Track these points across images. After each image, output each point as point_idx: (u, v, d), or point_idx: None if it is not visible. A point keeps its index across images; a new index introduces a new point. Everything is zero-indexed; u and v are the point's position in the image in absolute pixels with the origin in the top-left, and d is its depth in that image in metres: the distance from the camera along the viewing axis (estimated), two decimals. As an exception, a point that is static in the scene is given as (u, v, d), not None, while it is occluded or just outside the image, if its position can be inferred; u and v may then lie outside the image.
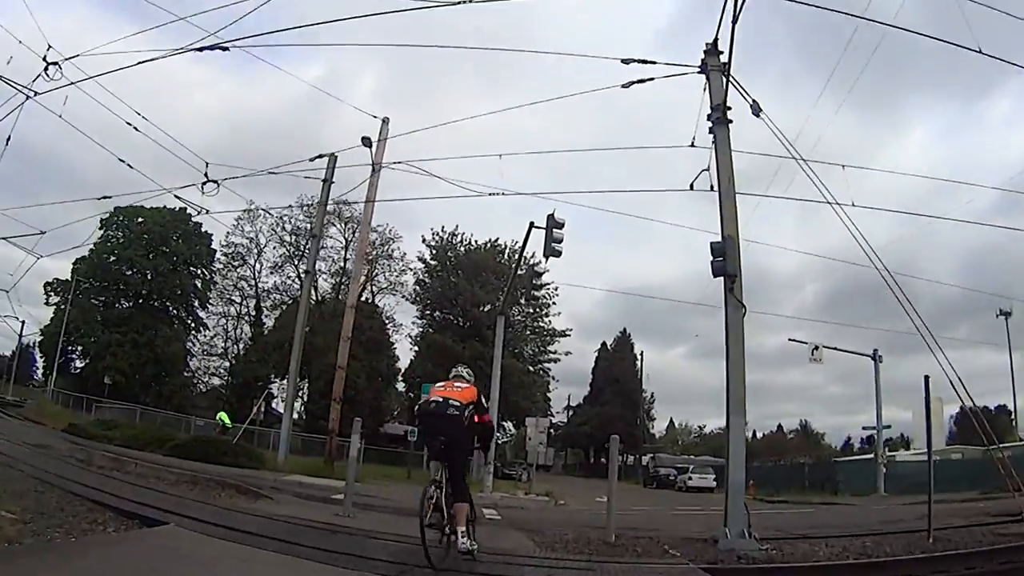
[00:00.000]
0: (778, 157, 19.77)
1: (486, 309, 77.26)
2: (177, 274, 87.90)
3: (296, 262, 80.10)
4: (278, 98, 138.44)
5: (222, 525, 11.89)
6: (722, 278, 17.05)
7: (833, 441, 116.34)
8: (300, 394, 76.36)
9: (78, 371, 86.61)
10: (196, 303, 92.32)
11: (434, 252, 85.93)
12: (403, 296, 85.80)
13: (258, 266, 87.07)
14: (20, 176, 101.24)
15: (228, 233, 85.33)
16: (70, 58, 23.73)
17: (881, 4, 20.24)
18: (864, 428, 63.25)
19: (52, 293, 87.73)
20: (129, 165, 29.72)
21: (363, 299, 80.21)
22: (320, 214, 39.38)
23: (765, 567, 13.15)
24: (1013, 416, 63.90)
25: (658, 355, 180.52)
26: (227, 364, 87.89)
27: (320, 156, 29.64)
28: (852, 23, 19.16)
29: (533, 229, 33.34)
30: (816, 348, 51.70)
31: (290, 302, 79.54)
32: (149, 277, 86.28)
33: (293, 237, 79.96)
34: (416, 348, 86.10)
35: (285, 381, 77.45)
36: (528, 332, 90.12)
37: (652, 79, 19.77)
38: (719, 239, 17.28)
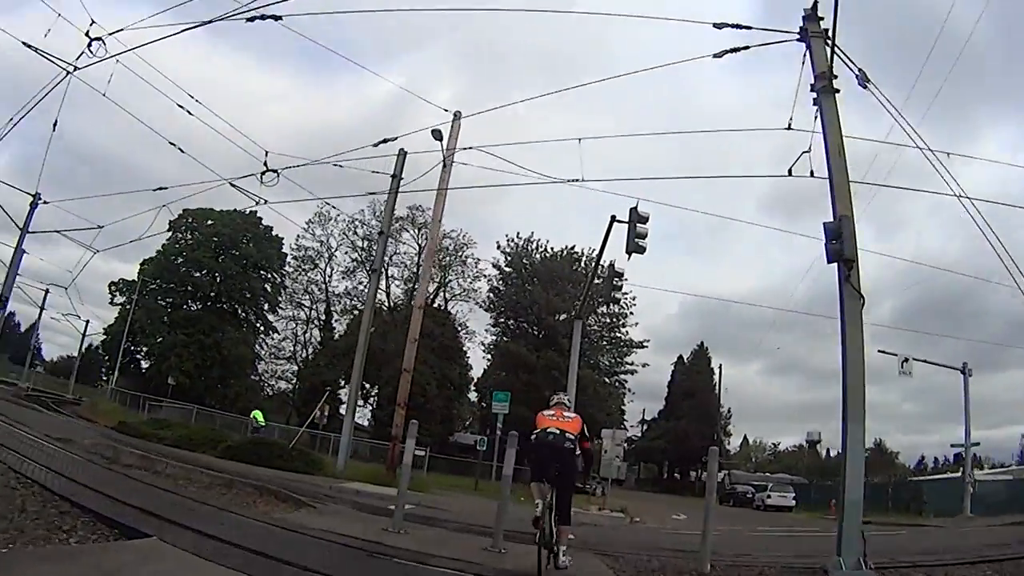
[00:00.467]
0: (871, 141, 17.56)
1: (561, 318, 74.42)
2: (246, 277, 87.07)
3: (368, 267, 77.91)
4: (350, 104, 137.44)
5: (227, 541, 9.80)
6: (837, 265, 14.73)
7: (907, 460, 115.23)
8: (369, 400, 75.01)
9: (143, 371, 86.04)
10: (265, 306, 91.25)
11: (509, 258, 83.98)
12: (476, 303, 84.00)
13: (329, 270, 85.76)
14: (73, 172, 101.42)
15: (299, 236, 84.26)
16: (113, 33, 21.99)
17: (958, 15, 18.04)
18: (953, 446, 59.90)
19: (117, 293, 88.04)
20: (180, 149, 28.10)
21: (436, 305, 78.85)
22: (388, 210, 37.15)
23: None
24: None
25: (733, 370, 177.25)
26: (295, 368, 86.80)
27: (385, 141, 27.44)
28: (926, 31, 16.87)
29: (615, 223, 31.04)
30: (906, 360, 48.74)
31: (361, 308, 77.88)
32: (218, 279, 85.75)
33: (365, 242, 78.37)
34: (489, 356, 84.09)
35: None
36: (604, 343, 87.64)
37: (747, 47, 17.49)
38: (831, 220, 14.95)
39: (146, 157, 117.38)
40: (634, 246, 28.11)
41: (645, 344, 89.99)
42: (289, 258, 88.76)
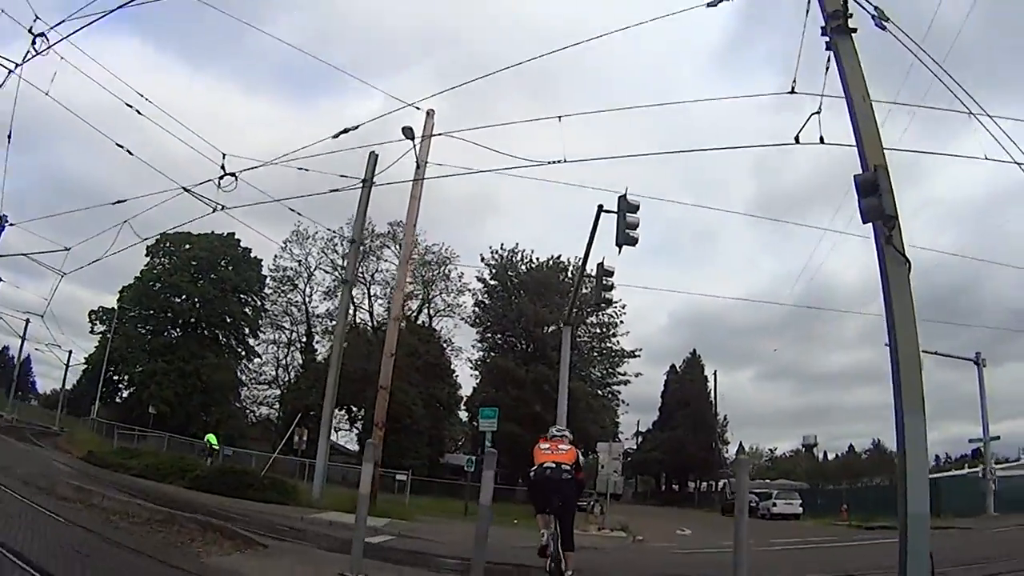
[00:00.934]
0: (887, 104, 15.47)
1: (550, 330, 72.61)
2: (226, 301, 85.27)
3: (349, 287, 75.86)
4: (331, 126, 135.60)
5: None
6: (873, 226, 12.44)
7: None
8: (356, 422, 73.05)
9: (124, 401, 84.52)
10: (246, 331, 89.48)
11: (494, 271, 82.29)
12: (462, 318, 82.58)
13: (308, 290, 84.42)
14: (34, 191, 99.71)
15: (276, 256, 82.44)
16: (56, 26, 19.92)
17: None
18: (971, 441, 57.93)
19: (97, 322, 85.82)
20: (128, 151, 26.08)
21: (420, 322, 77.82)
22: (359, 216, 34.68)
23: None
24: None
25: (725, 378, 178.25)
26: (278, 393, 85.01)
27: (346, 131, 24.99)
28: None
29: (603, 215, 28.71)
30: None
31: (348, 328, 75.92)
32: (197, 304, 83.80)
33: (345, 260, 75.62)
34: (477, 373, 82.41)
35: (339, 410, 74.34)
36: (595, 354, 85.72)
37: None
38: (862, 172, 12.67)
39: (105, 172, 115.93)
40: (625, 238, 25.71)
41: (637, 353, 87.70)
42: (268, 279, 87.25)
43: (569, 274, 77.86)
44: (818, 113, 15.17)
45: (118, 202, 27.69)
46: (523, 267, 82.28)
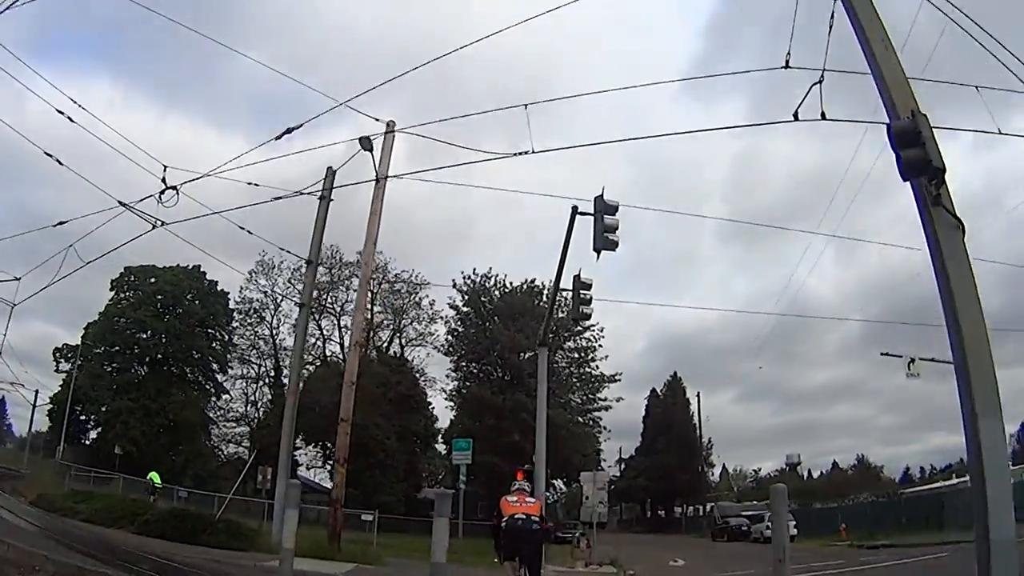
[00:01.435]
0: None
1: (526, 356, 70.41)
2: (192, 336, 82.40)
3: (318, 317, 74.14)
4: (303, 158, 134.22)
5: None
6: (913, 187, 10.24)
7: (891, 473, 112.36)
8: (328, 460, 70.98)
9: (92, 441, 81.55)
10: (215, 366, 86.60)
11: (466, 297, 79.93)
12: (434, 347, 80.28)
13: (276, 322, 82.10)
14: None
15: (241, 288, 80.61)
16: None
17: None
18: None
19: (62, 360, 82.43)
20: (58, 160, 24.01)
21: (390, 352, 76.34)
22: (316, 234, 32.27)
23: None
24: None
25: (705, 401, 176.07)
26: (247, 430, 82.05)
27: (289, 131, 22.76)
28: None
29: (577, 216, 26.35)
30: (912, 361, 45.82)
31: (317, 363, 73.94)
32: (163, 339, 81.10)
33: (314, 291, 73.36)
34: (451, 404, 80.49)
35: (312, 447, 72.13)
36: (574, 379, 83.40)
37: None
38: (897, 120, 10.53)
39: (52, 195, 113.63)
40: (603, 242, 23.34)
41: (617, 377, 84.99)
42: (235, 312, 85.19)
43: (544, 298, 75.63)
44: (820, 83, 13.60)
45: (60, 223, 25.73)
46: (496, 292, 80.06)
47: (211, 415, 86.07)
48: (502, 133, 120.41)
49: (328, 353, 76.29)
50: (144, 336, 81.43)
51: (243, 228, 30.36)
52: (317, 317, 74.43)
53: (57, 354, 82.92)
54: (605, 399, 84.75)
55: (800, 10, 13.87)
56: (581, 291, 28.17)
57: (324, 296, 73.01)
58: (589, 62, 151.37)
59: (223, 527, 26.91)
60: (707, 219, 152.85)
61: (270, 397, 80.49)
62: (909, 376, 46.39)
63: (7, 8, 18.12)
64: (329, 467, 69.49)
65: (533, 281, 79.40)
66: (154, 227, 25.14)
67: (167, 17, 20.39)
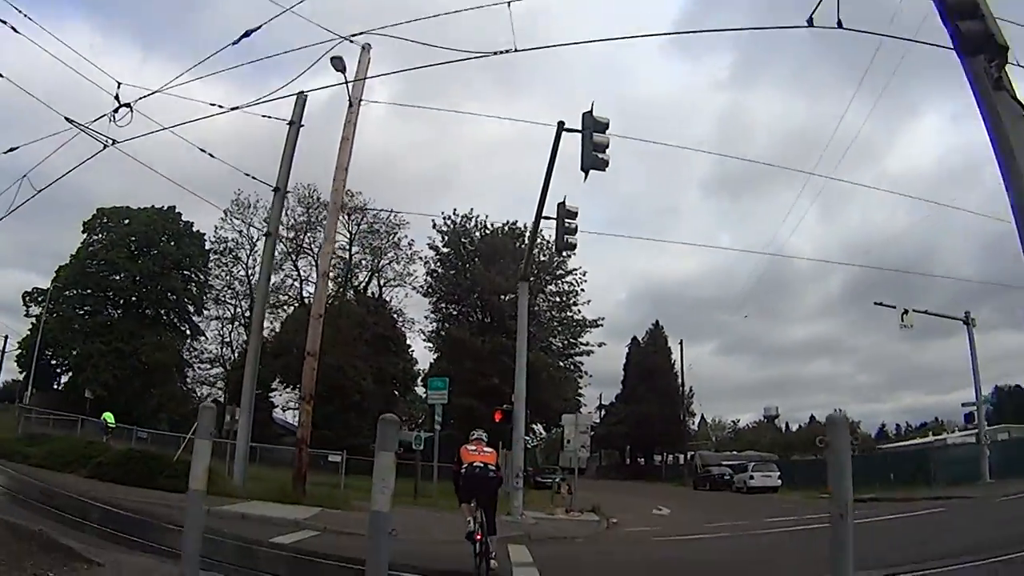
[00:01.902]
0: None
1: (507, 298, 68.69)
2: (167, 278, 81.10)
3: (295, 257, 73.41)
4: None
5: None
6: (967, 69, 8.62)
7: (867, 429, 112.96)
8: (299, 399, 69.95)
9: (63, 386, 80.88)
10: (191, 308, 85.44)
11: (446, 238, 78.11)
12: (413, 288, 78.36)
13: (251, 262, 78.86)
14: None
15: (216, 227, 78.02)
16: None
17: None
18: (964, 404, 55.35)
19: (32, 304, 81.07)
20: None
21: (369, 293, 75.53)
22: (285, 163, 30.41)
23: None
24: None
25: (686, 352, 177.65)
26: (222, 371, 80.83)
27: (247, 35, 20.84)
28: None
29: (564, 133, 24.43)
30: (906, 312, 45.52)
31: (296, 304, 72.62)
32: (137, 281, 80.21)
33: (292, 232, 71.77)
34: (431, 345, 78.92)
35: (289, 389, 70.68)
36: (555, 323, 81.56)
37: None
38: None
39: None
40: (592, 160, 21.63)
41: (600, 322, 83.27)
42: (211, 254, 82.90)
43: (526, 240, 73.80)
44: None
45: (10, 150, 24.05)
46: (477, 233, 78.41)
47: (187, 357, 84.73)
48: (487, 71, 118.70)
49: (306, 295, 74.41)
50: (117, 278, 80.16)
51: (204, 151, 28.50)
52: (294, 257, 73.88)
53: (27, 297, 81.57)
54: (587, 344, 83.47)
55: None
56: (566, 219, 26.12)
57: (301, 236, 71.46)
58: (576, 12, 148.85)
59: (181, 469, 25.37)
60: (693, 171, 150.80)
61: (245, 338, 78.57)
62: (903, 327, 46.07)
63: None
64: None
65: (515, 223, 77.27)
66: (105, 146, 23.62)
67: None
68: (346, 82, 26.58)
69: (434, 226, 76.81)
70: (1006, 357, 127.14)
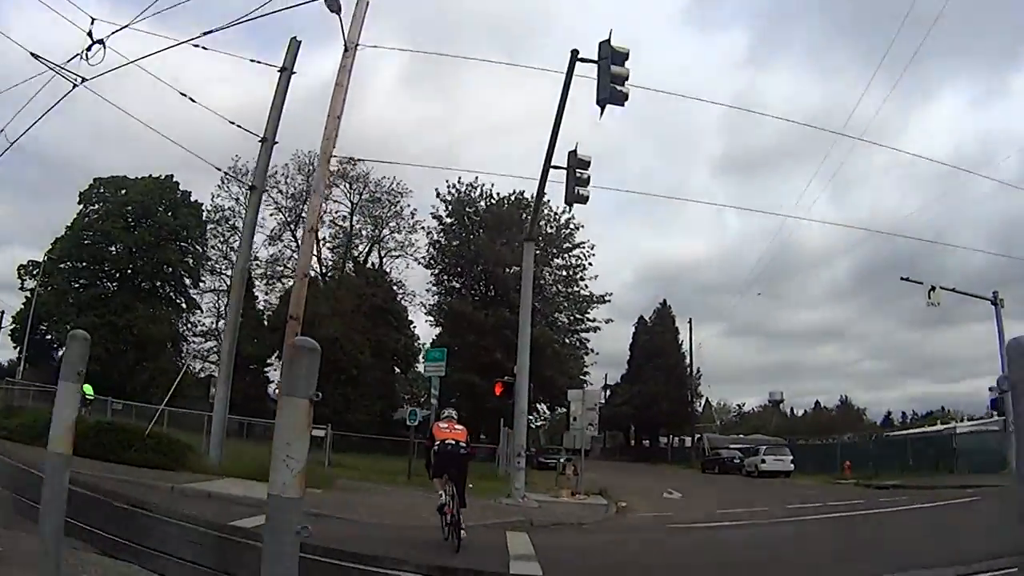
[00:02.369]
0: None
1: (512, 271, 66.68)
2: (164, 249, 79.04)
3: (294, 228, 71.76)
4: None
5: None
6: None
7: (872, 417, 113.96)
8: None
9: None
10: (187, 281, 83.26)
11: (450, 208, 75.98)
12: (415, 260, 76.55)
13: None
14: None
15: (213, 196, 75.76)
16: None
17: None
18: (991, 389, 53.63)
19: (28, 277, 79.60)
20: None
21: (369, 264, 74.15)
22: (274, 112, 28.18)
23: None
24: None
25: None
26: (215, 345, 77.61)
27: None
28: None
29: (578, 64, 22.02)
30: (933, 289, 43.72)
31: (289, 275, 70.21)
32: (133, 253, 78.09)
33: (291, 201, 70.33)
34: (431, 319, 77.69)
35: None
36: (561, 298, 79.60)
37: None
38: None
39: None
40: (609, 93, 19.53)
41: (607, 298, 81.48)
42: (207, 225, 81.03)
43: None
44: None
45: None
46: (483, 203, 76.14)
47: (182, 331, 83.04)
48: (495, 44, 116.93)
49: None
50: (113, 250, 78.42)
51: (184, 95, 26.26)
52: (293, 227, 71.98)
53: (22, 271, 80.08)
54: (594, 320, 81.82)
55: None
56: (577, 169, 23.73)
57: (300, 205, 69.00)
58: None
59: (153, 443, 23.77)
60: (704, 152, 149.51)
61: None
62: (929, 304, 44.35)
63: None
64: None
65: (522, 193, 73.55)
66: (75, 86, 21.71)
67: None
68: (341, 25, 24.87)
69: (438, 195, 75.38)
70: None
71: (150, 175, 78.03)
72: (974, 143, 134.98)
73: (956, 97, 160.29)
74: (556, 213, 71.62)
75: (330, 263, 74.57)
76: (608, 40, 19.74)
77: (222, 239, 78.09)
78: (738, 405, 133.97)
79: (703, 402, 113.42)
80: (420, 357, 73.83)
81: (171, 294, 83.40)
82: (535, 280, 35.69)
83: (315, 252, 71.50)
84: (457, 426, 15.46)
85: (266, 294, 75.73)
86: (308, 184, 68.27)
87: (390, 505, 19.47)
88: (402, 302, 75.06)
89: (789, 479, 51.23)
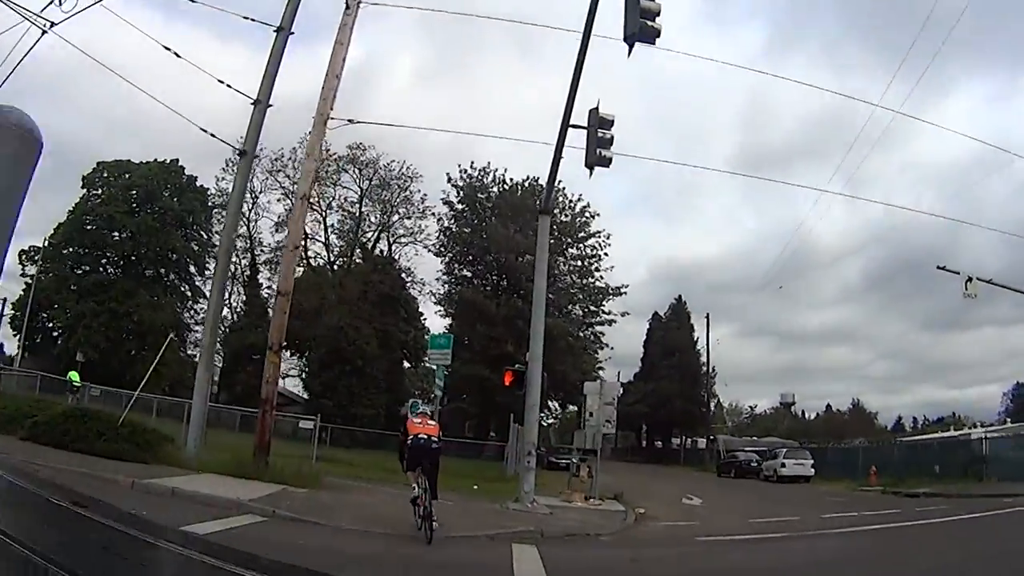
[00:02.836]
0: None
1: (525, 259, 63.92)
2: (168, 235, 76.82)
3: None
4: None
5: None
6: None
7: (883, 421, 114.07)
8: (301, 367, 69.27)
9: (57, 350, 75.18)
10: (193, 268, 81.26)
11: (461, 193, 73.57)
12: (425, 247, 74.58)
13: (254, 216, 76.85)
14: None
15: (217, 179, 74.76)
16: None
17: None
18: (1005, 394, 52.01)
19: (29, 263, 76.83)
20: None
21: (378, 251, 72.64)
22: (268, 73, 25.72)
23: None
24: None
25: (702, 333, 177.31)
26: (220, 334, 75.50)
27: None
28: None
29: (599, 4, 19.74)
30: (970, 280, 41.25)
31: (302, 264, 68.72)
32: (136, 238, 75.41)
33: (296, 186, 67.92)
34: (441, 310, 75.40)
35: (296, 357, 67.24)
36: (575, 291, 76.66)
37: None
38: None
39: None
40: (641, 29, 17.21)
41: (623, 290, 78.32)
42: (214, 210, 79.29)
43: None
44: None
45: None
46: (495, 189, 73.85)
47: (186, 320, 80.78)
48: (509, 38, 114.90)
49: (312, 254, 72.10)
50: (116, 235, 76.25)
51: (168, 49, 23.89)
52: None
53: (23, 256, 77.03)
54: (609, 312, 79.02)
55: None
56: (600, 129, 21.13)
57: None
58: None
59: (126, 432, 21.47)
60: (715, 152, 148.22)
61: (244, 298, 75.87)
62: (966, 296, 41.80)
63: None
64: (302, 374, 65.04)
65: (536, 179, 69.93)
66: (44, 32, 19.72)
67: None
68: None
69: (449, 180, 73.25)
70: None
71: (155, 159, 76.24)
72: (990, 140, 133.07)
73: (975, 93, 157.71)
74: (571, 200, 69.85)
75: (337, 251, 73.20)
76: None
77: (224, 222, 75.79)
78: (750, 407, 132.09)
79: (715, 403, 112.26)
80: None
81: (176, 281, 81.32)
82: (548, 269, 32.97)
83: (324, 240, 69.94)
84: (430, 421, 16.19)
85: (267, 279, 73.57)
86: (317, 167, 67.03)
87: (380, 508, 17.75)
88: (411, 292, 73.69)
89: (809, 484, 49.51)
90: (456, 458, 36.24)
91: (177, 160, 77.51)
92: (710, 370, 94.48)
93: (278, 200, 72.02)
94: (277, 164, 69.70)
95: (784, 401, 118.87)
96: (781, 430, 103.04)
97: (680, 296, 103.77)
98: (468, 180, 73.15)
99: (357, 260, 70.62)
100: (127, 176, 76.16)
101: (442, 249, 74.63)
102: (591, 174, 19.08)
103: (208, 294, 75.32)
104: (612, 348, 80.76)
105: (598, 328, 78.67)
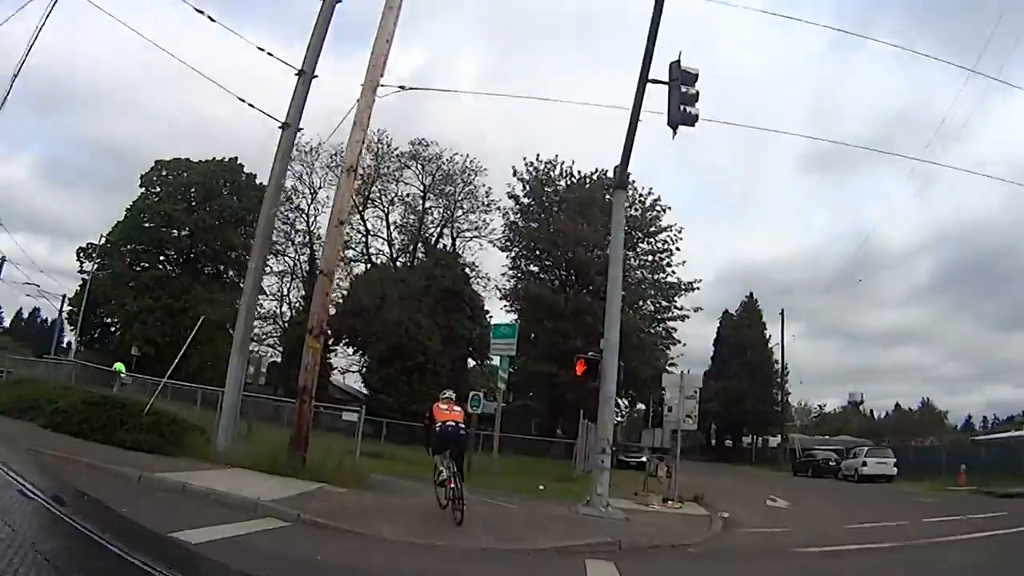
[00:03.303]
0: None
1: (595, 253, 63.20)
2: (227, 232, 77.15)
3: (362, 210, 68.82)
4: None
5: None
6: None
7: (954, 421, 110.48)
8: (362, 363, 68.13)
9: (113, 344, 76.02)
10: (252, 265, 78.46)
11: (527, 187, 71.58)
12: (490, 242, 72.65)
13: (313, 211, 75.31)
14: None
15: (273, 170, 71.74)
16: None
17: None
18: None
19: (87, 260, 78.26)
20: None
21: (441, 245, 71.23)
22: (314, 42, 23.65)
23: None
24: None
25: (772, 333, 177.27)
26: (276, 328, 77.23)
27: None
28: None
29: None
30: None
31: (364, 262, 69.64)
32: (194, 235, 76.32)
33: (358, 183, 66.32)
34: (507, 305, 73.32)
35: (353, 351, 66.12)
36: (646, 286, 74.34)
37: None
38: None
39: None
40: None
41: (696, 285, 75.52)
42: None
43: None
44: None
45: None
46: (563, 182, 71.73)
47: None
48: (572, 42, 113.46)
49: (373, 251, 71.91)
50: (174, 233, 76.79)
51: (201, 12, 21.68)
52: (360, 209, 68.68)
53: (80, 254, 78.92)
54: (681, 308, 76.77)
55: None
56: (683, 86, 18.65)
57: (369, 186, 67.21)
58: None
59: (150, 422, 19.94)
60: (786, 149, 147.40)
61: (303, 293, 73.56)
62: None
63: None
64: (362, 370, 63.91)
65: (605, 172, 66.05)
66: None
67: None
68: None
69: (514, 173, 71.20)
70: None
71: (213, 157, 76.60)
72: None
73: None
74: (641, 194, 67.78)
75: (398, 246, 72.25)
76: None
77: (285, 220, 74.69)
78: (819, 405, 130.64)
79: (784, 402, 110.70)
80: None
81: (235, 279, 78.95)
82: (622, 260, 30.38)
83: (387, 237, 68.79)
84: (456, 407, 16.72)
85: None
86: (378, 164, 65.82)
87: (427, 513, 15.57)
88: (475, 288, 72.02)
89: (891, 484, 47.78)
90: (521, 456, 36.79)
91: (236, 158, 77.78)
92: (784, 368, 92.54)
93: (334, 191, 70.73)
94: (336, 159, 67.91)
95: (852, 400, 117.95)
96: (851, 429, 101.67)
97: (751, 293, 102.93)
98: (534, 173, 71.25)
99: (420, 256, 69.40)
100: (185, 174, 76.66)
101: (508, 244, 72.88)
102: (674, 134, 17.02)
103: (266, 290, 75.10)
104: (684, 344, 78.77)
105: (670, 324, 76.48)
